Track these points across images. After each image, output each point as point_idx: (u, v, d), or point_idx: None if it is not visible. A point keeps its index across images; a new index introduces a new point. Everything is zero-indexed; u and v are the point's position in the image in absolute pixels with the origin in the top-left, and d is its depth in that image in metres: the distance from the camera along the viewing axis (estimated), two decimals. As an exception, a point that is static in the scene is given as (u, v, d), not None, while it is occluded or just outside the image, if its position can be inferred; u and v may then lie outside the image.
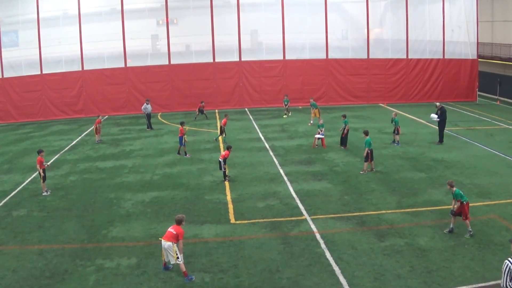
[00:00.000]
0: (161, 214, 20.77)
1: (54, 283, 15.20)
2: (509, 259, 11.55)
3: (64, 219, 20.56)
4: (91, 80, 45.67)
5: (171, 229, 15.43)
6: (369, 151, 25.64)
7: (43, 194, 23.72)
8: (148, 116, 39.12)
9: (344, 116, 31.47)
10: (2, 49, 44.88)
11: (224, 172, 24.93)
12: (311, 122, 38.22)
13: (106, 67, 45.98)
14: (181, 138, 29.73)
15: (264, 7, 47.60)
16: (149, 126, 38.90)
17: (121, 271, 15.87)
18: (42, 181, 23.97)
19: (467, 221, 17.71)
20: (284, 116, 42.20)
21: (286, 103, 42.85)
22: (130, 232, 19.02)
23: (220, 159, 25.01)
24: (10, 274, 15.87)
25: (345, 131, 30.67)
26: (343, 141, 30.97)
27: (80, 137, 36.71)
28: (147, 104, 39.30)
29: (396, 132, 31.39)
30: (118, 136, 36.56)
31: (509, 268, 11.42)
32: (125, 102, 46.09)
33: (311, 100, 39.30)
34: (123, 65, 46.05)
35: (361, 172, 25.71)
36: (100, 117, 35.56)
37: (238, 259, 16.49)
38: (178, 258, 15.09)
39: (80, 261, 16.64)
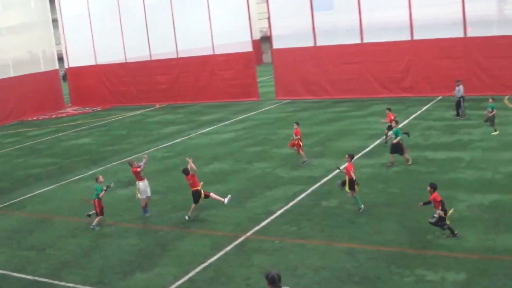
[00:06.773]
0: (501, 222, 19.52)
1: (362, 290, 15.30)
2: None
3: (382, 216, 20.76)
4: (422, 52, 45.17)
5: None
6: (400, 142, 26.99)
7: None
8: (459, 101, 37.08)
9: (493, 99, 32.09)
10: (315, 13, 46.59)
11: None
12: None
13: (440, 36, 45.03)
14: None
15: None
16: (458, 113, 37.02)
17: (445, 287, 15.29)
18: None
19: None
20: None
21: None
22: (461, 240, 18.26)
23: None
24: (311, 274, 16.45)
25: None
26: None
27: (406, 121, 36.89)
28: (458, 85, 37.22)
29: None
30: (454, 122, 35.82)
31: None
32: (464, 79, 44.46)
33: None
34: (461, 35, 44.64)
35: (388, 165, 26.87)
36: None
37: None
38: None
39: (397, 269, 16.51)
